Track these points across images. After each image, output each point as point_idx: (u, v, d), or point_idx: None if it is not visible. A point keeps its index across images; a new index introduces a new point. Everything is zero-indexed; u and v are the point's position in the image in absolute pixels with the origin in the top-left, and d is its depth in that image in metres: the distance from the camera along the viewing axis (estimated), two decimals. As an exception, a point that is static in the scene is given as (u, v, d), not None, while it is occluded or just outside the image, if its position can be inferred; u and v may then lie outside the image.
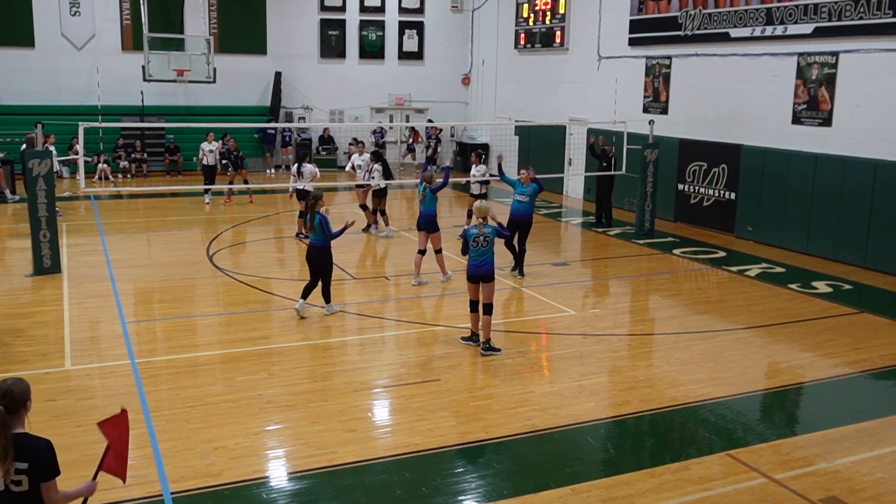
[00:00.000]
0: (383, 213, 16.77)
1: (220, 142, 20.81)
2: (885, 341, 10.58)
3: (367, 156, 16.91)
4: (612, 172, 17.92)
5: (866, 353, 10.11)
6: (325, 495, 6.49)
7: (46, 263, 12.92)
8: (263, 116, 26.48)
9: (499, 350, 9.73)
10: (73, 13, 25.00)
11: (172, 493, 6.35)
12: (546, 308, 11.74)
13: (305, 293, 11.09)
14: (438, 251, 13.06)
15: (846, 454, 7.27)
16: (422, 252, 13.00)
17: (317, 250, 11.06)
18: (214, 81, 24.41)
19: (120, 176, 24.35)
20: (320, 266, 11.08)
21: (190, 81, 24.52)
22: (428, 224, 13.01)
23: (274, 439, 7.47)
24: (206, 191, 20.17)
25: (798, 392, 9.04)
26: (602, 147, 18.11)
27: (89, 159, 22.90)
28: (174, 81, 24.34)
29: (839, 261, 15.00)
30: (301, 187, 15.49)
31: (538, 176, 13.47)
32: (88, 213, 19.12)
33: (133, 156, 24.98)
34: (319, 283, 11.16)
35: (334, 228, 11.04)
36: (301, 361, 9.41)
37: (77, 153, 21.78)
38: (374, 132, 26.74)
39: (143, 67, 23.37)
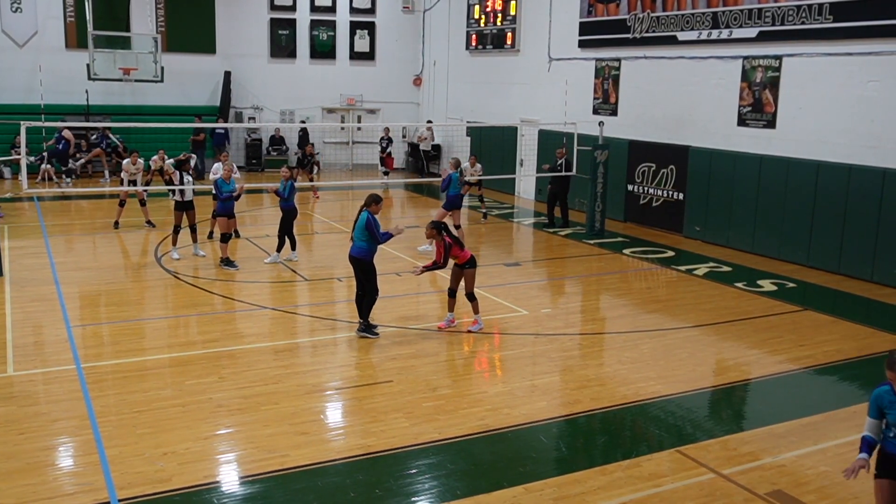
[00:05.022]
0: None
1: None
2: (828, 338, 10.85)
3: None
4: (565, 173, 18.06)
5: (810, 349, 10.36)
6: (278, 499, 6.42)
7: (-13, 267, 12.59)
8: (213, 116, 26.12)
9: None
10: (14, 9, 24.35)
11: (120, 501, 6.22)
12: (498, 308, 11.78)
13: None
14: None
15: (791, 448, 7.45)
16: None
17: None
18: (162, 81, 23.99)
19: (65, 177, 23.78)
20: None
21: (137, 80, 24.05)
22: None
23: (225, 443, 7.36)
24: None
25: (745, 388, 9.22)
26: (559, 160, 18.22)
27: (32, 159, 22.31)
28: (120, 80, 23.84)
29: (784, 259, 15.34)
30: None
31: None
32: (31, 214, 18.65)
33: (77, 156, 24.41)
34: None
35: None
36: (252, 364, 9.29)
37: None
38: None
39: (88, 66, 22.86)
